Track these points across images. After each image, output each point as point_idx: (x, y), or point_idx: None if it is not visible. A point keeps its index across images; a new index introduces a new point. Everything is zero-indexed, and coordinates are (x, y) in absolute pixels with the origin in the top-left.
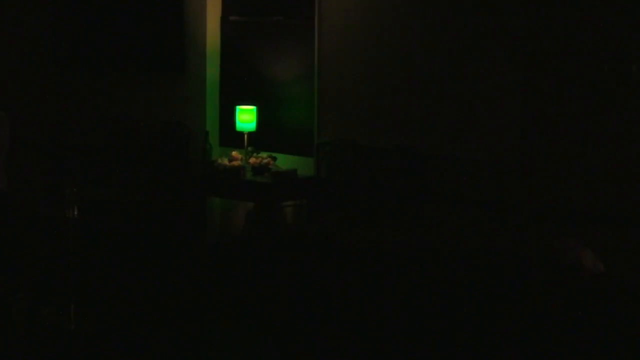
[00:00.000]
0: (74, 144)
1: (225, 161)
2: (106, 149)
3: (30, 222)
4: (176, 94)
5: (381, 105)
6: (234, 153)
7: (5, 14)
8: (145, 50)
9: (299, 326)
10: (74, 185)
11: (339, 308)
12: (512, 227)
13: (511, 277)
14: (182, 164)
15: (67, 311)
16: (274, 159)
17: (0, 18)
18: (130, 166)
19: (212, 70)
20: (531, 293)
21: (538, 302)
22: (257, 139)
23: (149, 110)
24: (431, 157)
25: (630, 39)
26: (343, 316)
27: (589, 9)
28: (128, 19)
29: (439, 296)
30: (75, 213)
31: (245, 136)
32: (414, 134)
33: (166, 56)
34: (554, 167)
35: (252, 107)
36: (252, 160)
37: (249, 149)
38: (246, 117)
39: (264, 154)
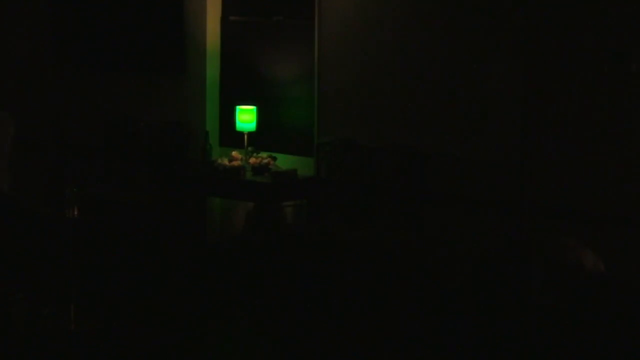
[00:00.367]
0: (74, 143)
1: (225, 161)
2: (106, 148)
3: (30, 222)
4: (176, 94)
5: (381, 105)
6: (234, 153)
7: (5, 15)
8: (145, 50)
9: (299, 326)
10: (74, 185)
11: (339, 308)
12: (512, 227)
13: (511, 277)
14: (182, 164)
15: (67, 311)
16: (274, 159)
17: (0, 19)
18: (130, 166)
19: (212, 70)
20: (531, 293)
21: (538, 302)
22: (257, 139)
23: (149, 110)
24: (431, 157)
25: (630, 39)
26: (343, 316)
27: (589, 9)
28: (128, 19)
29: (438, 296)
30: (75, 213)
31: (245, 136)
32: (414, 134)
33: (166, 56)
34: (554, 167)
35: (252, 107)
36: (252, 160)
37: (249, 149)
38: (246, 117)
39: (264, 154)
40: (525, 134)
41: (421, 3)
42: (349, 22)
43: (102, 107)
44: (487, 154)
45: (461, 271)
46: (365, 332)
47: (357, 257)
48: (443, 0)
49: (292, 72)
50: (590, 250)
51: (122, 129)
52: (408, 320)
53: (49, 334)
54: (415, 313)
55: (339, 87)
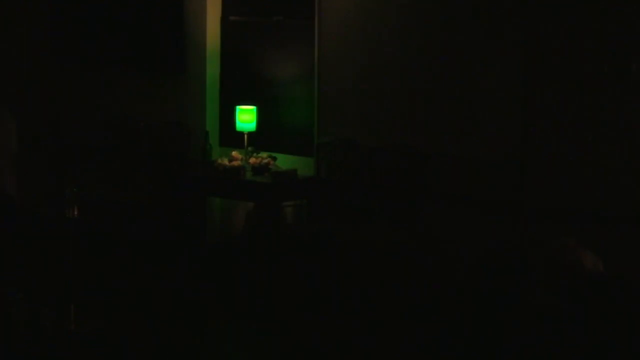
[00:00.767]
0: (75, 144)
1: (225, 161)
2: (106, 149)
3: (30, 222)
4: (176, 94)
5: (381, 105)
6: (234, 153)
7: (5, 15)
8: (145, 50)
9: (299, 326)
10: (74, 185)
11: (339, 307)
12: (512, 227)
13: (511, 277)
14: (182, 164)
15: (67, 311)
16: (274, 159)
17: (0, 19)
18: (130, 166)
19: (212, 70)
20: (531, 293)
21: (538, 302)
22: (257, 139)
23: (149, 110)
24: (431, 157)
25: (630, 39)
26: (343, 315)
27: (589, 9)
28: (128, 19)
29: (439, 296)
30: (75, 213)
31: (245, 136)
32: (414, 134)
33: (166, 56)
34: (554, 167)
35: (252, 107)
36: (252, 160)
37: (249, 149)
38: (246, 117)
39: (264, 154)
40: (525, 134)
41: (421, 3)
42: (349, 22)
43: (102, 107)
44: (487, 154)
45: (461, 271)
46: (365, 331)
47: (357, 257)
48: (443, 0)
49: (292, 72)
50: (590, 250)
51: (122, 129)
52: (408, 320)
53: (49, 334)
54: (415, 312)
55: (339, 87)
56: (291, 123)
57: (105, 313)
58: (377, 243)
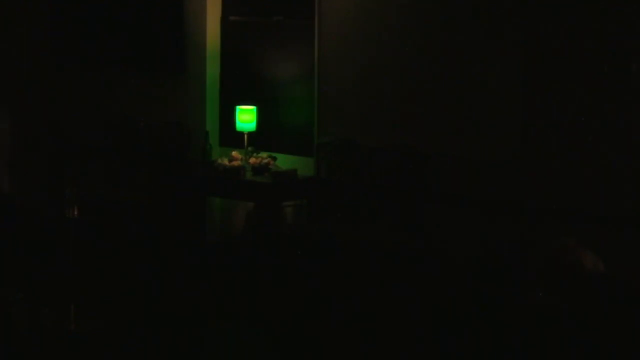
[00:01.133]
0: (75, 144)
1: (225, 161)
2: (106, 149)
3: (30, 222)
4: (176, 94)
5: (381, 105)
6: (234, 153)
7: (5, 15)
8: (145, 50)
9: (299, 326)
10: (74, 185)
11: (339, 307)
12: (512, 227)
13: (511, 277)
14: (182, 164)
15: (67, 311)
16: (274, 159)
17: (0, 19)
18: (130, 166)
19: (212, 70)
20: (531, 293)
21: (538, 302)
22: (257, 139)
23: (149, 110)
24: (431, 157)
25: (630, 39)
26: (343, 315)
27: (589, 9)
28: (128, 19)
29: (439, 296)
30: (75, 213)
31: (245, 136)
32: (414, 134)
33: (166, 56)
34: (554, 167)
35: (252, 107)
36: (252, 160)
37: (249, 149)
38: (246, 117)
39: (264, 154)
40: (525, 134)
41: (421, 3)
42: (349, 22)
43: (102, 107)
44: (487, 154)
45: (461, 271)
46: (365, 331)
47: (357, 257)
48: (443, 0)
49: (292, 72)
50: (590, 250)
51: (122, 129)
52: (408, 320)
53: (49, 334)
54: (415, 312)
55: (339, 87)
56: (291, 123)
57: (105, 313)
58: (377, 243)
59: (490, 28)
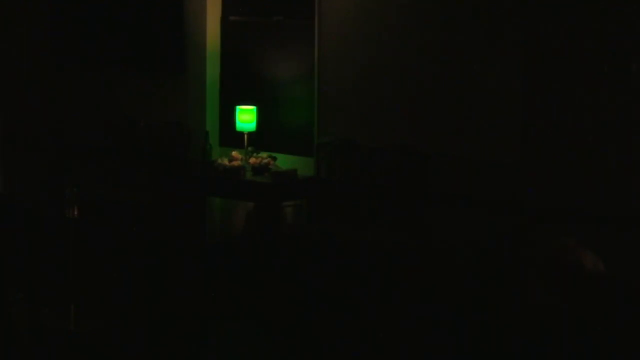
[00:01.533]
0: (74, 144)
1: (225, 161)
2: (106, 149)
3: (30, 222)
4: (176, 94)
5: (381, 105)
6: (234, 153)
7: (5, 15)
8: (145, 50)
9: (300, 326)
10: (74, 185)
11: (339, 308)
12: (512, 227)
13: (510, 277)
14: (182, 164)
15: (67, 311)
16: (274, 159)
17: (0, 19)
18: (130, 166)
19: (212, 70)
20: (531, 293)
21: (538, 302)
22: (257, 139)
23: (149, 110)
24: (431, 157)
25: (630, 39)
26: (343, 316)
27: (589, 9)
28: (128, 19)
29: (438, 296)
30: (75, 213)
31: (245, 136)
32: (414, 134)
33: (166, 56)
34: (554, 167)
35: (252, 107)
36: (252, 160)
37: (249, 149)
38: (246, 117)
39: (264, 154)
40: (525, 134)
41: (421, 3)
42: (349, 22)
43: (102, 107)
44: (487, 154)
45: (461, 271)
46: (366, 331)
47: (358, 257)
48: (443, 0)
49: (292, 72)
50: (590, 250)
51: (122, 129)
52: (408, 320)
53: (49, 334)
54: (415, 312)
55: (339, 87)
56: (291, 123)
57: (105, 313)
58: (377, 243)
59: (490, 28)
